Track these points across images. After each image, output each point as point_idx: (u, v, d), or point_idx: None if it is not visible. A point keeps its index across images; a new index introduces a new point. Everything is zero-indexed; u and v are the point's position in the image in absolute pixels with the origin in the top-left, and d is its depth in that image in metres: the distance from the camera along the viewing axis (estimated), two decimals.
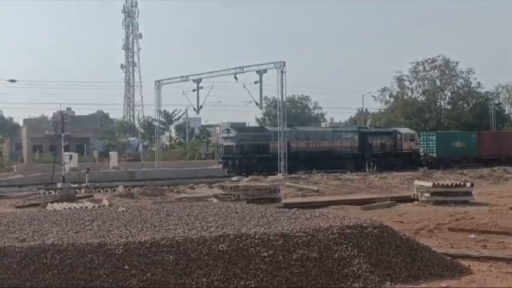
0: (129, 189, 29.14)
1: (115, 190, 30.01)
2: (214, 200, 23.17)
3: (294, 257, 10.13)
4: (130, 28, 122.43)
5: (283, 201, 24.80)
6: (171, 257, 9.62)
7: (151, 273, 9.29)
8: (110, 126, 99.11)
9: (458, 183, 26.88)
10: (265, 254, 10.03)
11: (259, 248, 10.14)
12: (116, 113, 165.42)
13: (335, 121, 65.25)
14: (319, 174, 37.90)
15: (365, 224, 11.61)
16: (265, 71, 45.97)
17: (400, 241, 11.49)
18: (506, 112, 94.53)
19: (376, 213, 20.97)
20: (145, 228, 11.36)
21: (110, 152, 61.79)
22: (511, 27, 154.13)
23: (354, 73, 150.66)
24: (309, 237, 10.71)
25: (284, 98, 48.63)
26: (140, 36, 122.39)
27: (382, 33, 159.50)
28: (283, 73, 44.62)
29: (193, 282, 9.32)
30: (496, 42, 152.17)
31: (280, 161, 44.20)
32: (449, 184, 26.44)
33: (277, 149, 44.89)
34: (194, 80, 50.86)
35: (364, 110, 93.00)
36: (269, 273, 9.71)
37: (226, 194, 24.11)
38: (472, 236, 16.11)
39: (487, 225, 18.08)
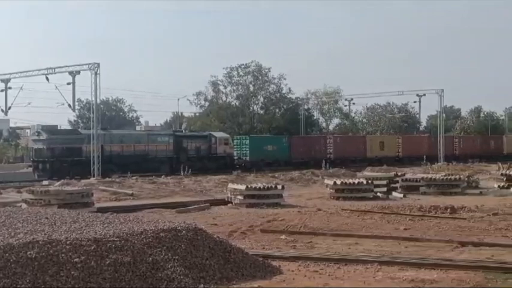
0: None
1: None
2: (23, 206, 22.21)
3: (107, 262, 9.92)
4: None
5: (97, 205, 24.30)
6: None
7: None
8: None
9: (269, 186, 27.69)
10: (77, 259, 9.73)
11: (70, 253, 9.82)
12: None
13: (150, 124, 65.08)
14: (134, 177, 37.53)
15: (179, 228, 11.62)
16: (78, 72, 44.84)
17: (214, 243, 11.63)
18: (315, 117, 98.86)
19: (191, 217, 21.09)
20: None
21: None
22: (318, 35, 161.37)
23: (170, 77, 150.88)
24: (123, 241, 10.54)
25: (98, 100, 47.75)
26: None
27: (200, 37, 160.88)
28: (98, 75, 43.76)
29: None
30: (306, 50, 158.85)
31: (93, 164, 43.27)
32: (262, 187, 27.18)
33: (91, 152, 43.92)
34: (2, 80, 48.63)
35: (180, 113, 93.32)
36: (81, 280, 9.43)
37: (36, 199, 23.17)
38: (283, 236, 16.63)
39: (297, 226, 18.78)
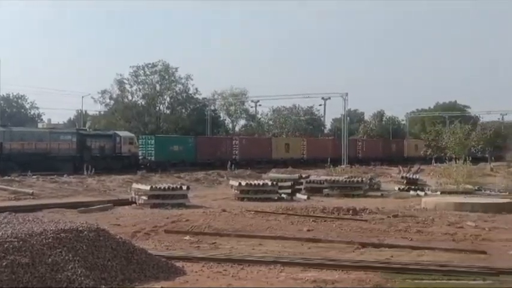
0: None
1: None
2: None
3: (4, 264, 9.63)
4: None
5: None
6: None
7: None
8: None
9: (174, 186, 27.59)
10: None
11: None
12: None
13: (53, 122, 63.24)
14: (34, 176, 36.49)
15: (81, 228, 11.39)
16: None
17: (117, 244, 11.46)
18: (222, 118, 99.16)
19: (94, 217, 20.72)
20: None
21: None
22: (226, 36, 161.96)
23: (75, 74, 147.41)
24: (21, 242, 10.24)
25: None
26: None
27: (106, 34, 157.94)
28: None
29: None
30: (214, 51, 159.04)
31: None
32: (166, 187, 27.03)
33: None
34: None
35: (84, 111, 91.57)
36: None
37: None
38: (187, 237, 16.56)
39: (201, 226, 18.74)
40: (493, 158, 67.71)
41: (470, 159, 42.01)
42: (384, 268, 12.38)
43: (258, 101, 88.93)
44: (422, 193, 31.69)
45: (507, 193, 30.17)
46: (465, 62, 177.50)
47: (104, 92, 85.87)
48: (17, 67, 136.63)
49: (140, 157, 56.08)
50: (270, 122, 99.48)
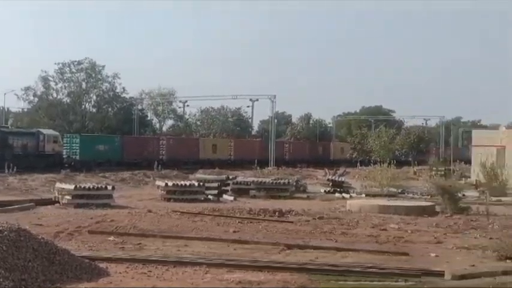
0: None
1: None
2: None
3: None
4: None
5: None
6: None
7: None
8: None
9: (99, 186, 27.23)
10: None
11: None
12: None
13: None
14: None
15: (1, 228, 11.10)
16: None
17: (38, 245, 11.23)
18: (149, 118, 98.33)
19: (14, 216, 20.20)
20: None
21: None
22: (157, 35, 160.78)
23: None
24: None
25: None
26: None
27: (32, 29, 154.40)
28: None
29: None
30: (143, 50, 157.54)
31: None
32: (91, 187, 26.66)
33: None
34: None
35: (6, 108, 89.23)
36: None
37: None
38: (111, 238, 16.35)
39: (126, 227, 18.56)
40: (415, 162, 69.26)
41: (395, 162, 42.86)
42: (309, 269, 12.49)
43: (186, 101, 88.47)
44: (347, 195, 32.14)
45: (429, 196, 30.88)
46: (390, 68, 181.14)
47: (27, 88, 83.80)
48: None
49: (64, 156, 55.00)
50: (198, 123, 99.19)
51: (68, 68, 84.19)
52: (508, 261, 13.99)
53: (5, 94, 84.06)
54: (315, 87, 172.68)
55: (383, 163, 38.29)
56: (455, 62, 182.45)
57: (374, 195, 32.02)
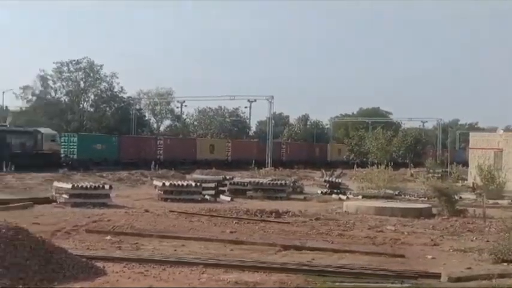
0: None
1: None
2: None
3: None
4: None
5: None
6: None
7: None
8: None
9: (97, 185, 27.22)
10: None
11: None
12: None
13: None
14: None
15: None
16: None
17: (36, 243, 11.24)
18: (146, 118, 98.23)
19: (12, 215, 20.16)
20: None
21: None
22: (152, 35, 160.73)
23: None
24: None
25: None
26: None
27: (30, 28, 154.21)
28: None
29: None
30: (141, 49, 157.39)
31: None
32: (88, 186, 26.65)
33: None
34: None
35: (4, 107, 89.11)
36: None
37: None
38: (108, 237, 16.36)
39: (123, 227, 18.58)
40: (412, 164, 69.29)
41: (392, 164, 42.93)
42: (305, 270, 12.52)
43: (184, 101, 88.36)
44: (344, 197, 32.15)
45: (426, 198, 30.92)
46: (388, 69, 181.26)
47: (26, 87, 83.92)
48: None
49: (62, 155, 54.97)
50: (195, 123, 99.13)
51: (66, 67, 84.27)
52: (504, 264, 14.02)
53: (3, 93, 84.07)
54: (312, 88, 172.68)
55: (380, 165, 38.37)
56: (453, 64, 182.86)
57: (371, 197, 32.06)
